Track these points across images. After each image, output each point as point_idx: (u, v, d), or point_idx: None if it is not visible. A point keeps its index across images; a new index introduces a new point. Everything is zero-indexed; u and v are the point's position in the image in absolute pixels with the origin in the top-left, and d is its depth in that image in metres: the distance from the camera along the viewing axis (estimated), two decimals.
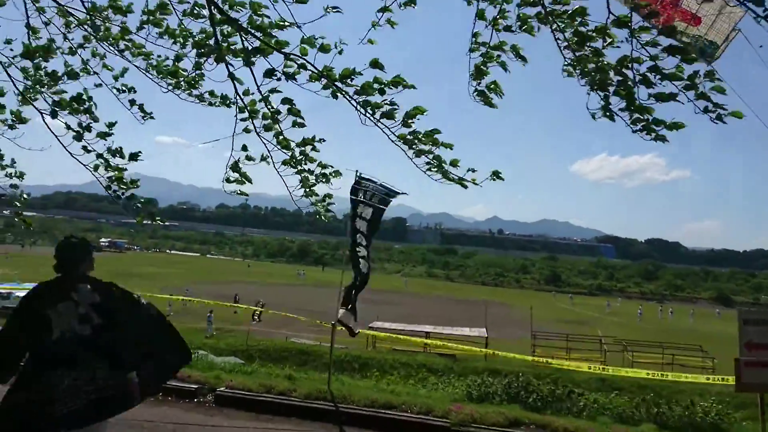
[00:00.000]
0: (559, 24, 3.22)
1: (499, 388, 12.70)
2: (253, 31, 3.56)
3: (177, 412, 6.24)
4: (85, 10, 4.55)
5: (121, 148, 4.43)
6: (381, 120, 3.67)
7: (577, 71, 3.43)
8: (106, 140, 4.41)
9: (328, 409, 6.65)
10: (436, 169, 3.79)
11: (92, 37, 4.60)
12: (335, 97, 3.65)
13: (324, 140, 4.20)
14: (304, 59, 3.51)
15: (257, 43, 3.60)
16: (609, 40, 3.07)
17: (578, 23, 3.15)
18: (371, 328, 27.05)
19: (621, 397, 15.45)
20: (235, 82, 3.92)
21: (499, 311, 49.24)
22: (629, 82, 3.04)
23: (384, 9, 3.40)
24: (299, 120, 3.94)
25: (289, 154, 4.23)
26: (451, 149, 3.74)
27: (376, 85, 3.52)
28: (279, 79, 3.65)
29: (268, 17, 3.56)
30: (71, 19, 4.55)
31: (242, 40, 3.61)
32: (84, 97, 4.44)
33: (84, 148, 4.38)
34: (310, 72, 3.58)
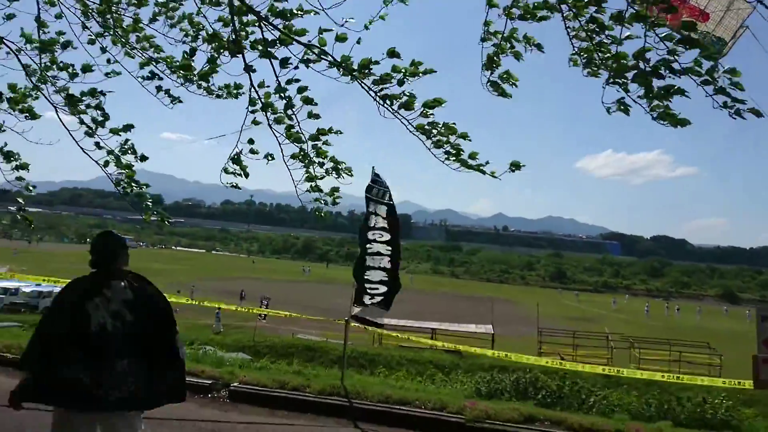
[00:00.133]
0: (574, 11, 3.21)
1: (507, 385, 12.70)
2: (272, 20, 3.54)
3: (192, 407, 6.26)
4: (98, 2, 4.57)
5: (133, 145, 4.44)
6: (398, 111, 3.66)
7: (583, 60, 3.43)
8: (120, 135, 4.41)
9: (342, 405, 6.65)
10: (454, 158, 3.78)
11: (109, 29, 4.60)
12: (353, 78, 3.62)
13: (341, 132, 4.18)
14: (323, 50, 3.51)
15: (276, 34, 3.59)
16: (627, 33, 3.05)
17: (594, 10, 3.15)
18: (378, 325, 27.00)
19: (629, 393, 15.42)
20: (251, 74, 3.92)
21: (505, 308, 49.17)
22: (647, 70, 3.03)
23: None
24: (314, 111, 3.93)
25: (299, 147, 4.22)
26: (470, 141, 3.73)
27: (395, 75, 3.51)
28: (296, 68, 3.65)
29: (288, 6, 3.54)
30: (90, 7, 4.55)
31: (261, 30, 3.59)
32: (96, 92, 4.45)
33: (96, 144, 4.39)
34: (329, 61, 3.57)
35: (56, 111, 4.21)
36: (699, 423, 10.95)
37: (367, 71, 3.55)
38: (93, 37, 4.58)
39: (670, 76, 2.92)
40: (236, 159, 4.22)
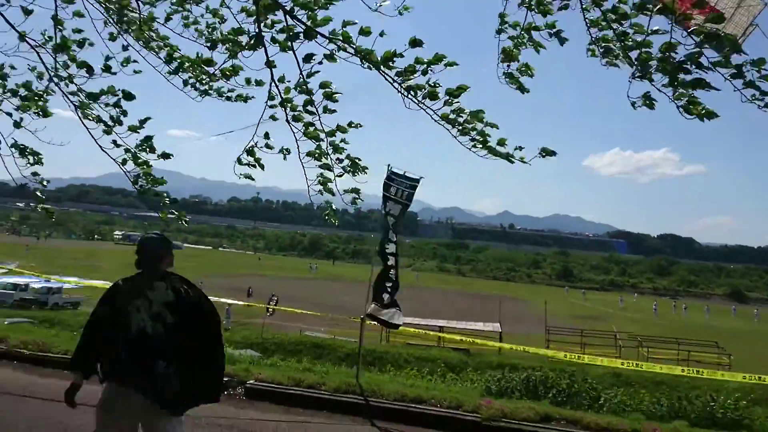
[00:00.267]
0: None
1: (518, 384, 12.70)
2: (297, 12, 3.53)
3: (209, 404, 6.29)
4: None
5: (152, 143, 4.43)
6: (423, 101, 3.66)
7: (601, 50, 3.42)
8: (138, 133, 4.42)
9: (358, 403, 6.67)
10: (481, 146, 3.77)
11: (132, 24, 4.62)
12: (378, 71, 3.61)
13: (360, 125, 4.16)
14: (347, 43, 3.50)
15: (301, 27, 3.58)
16: (654, 27, 3.05)
17: (617, 0, 3.14)
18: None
19: (638, 392, 15.38)
20: (272, 69, 3.91)
21: (511, 306, 49.13)
22: (674, 62, 3.01)
23: None
24: (332, 107, 3.92)
25: (316, 145, 4.22)
26: (497, 128, 3.72)
27: (418, 66, 3.51)
28: (321, 62, 3.65)
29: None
30: (111, 5, 4.56)
31: (286, 22, 3.58)
32: (115, 90, 4.45)
33: (113, 142, 4.39)
34: (352, 53, 3.57)
35: (76, 110, 4.22)
36: (709, 422, 10.91)
37: (391, 63, 3.55)
38: (115, 33, 4.59)
39: (696, 71, 2.91)
40: (251, 151, 4.22)
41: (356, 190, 4.45)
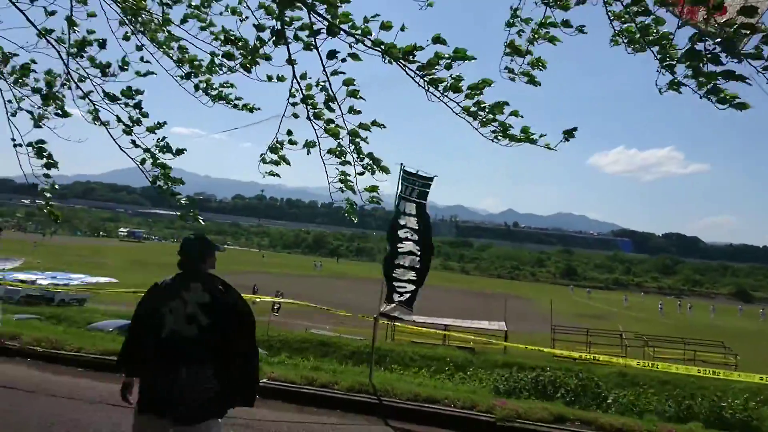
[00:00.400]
0: None
1: (526, 383, 12.69)
2: (318, 8, 3.52)
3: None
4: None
5: (168, 143, 4.44)
6: (445, 94, 3.66)
7: (624, 41, 3.41)
8: (156, 133, 4.43)
9: (372, 402, 6.66)
10: (503, 136, 3.76)
11: (147, 24, 4.62)
12: (399, 65, 3.61)
13: (384, 126, 4.15)
14: (369, 38, 3.50)
15: (324, 23, 3.57)
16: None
17: None
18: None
19: (646, 392, 15.36)
20: (293, 66, 3.91)
21: (516, 305, 49.02)
22: (697, 50, 3.00)
23: None
24: (355, 106, 3.91)
25: (337, 142, 4.22)
26: (522, 117, 3.70)
27: (441, 61, 3.50)
28: (344, 60, 3.64)
29: None
30: (127, 5, 4.56)
31: (310, 19, 3.57)
32: (132, 91, 4.46)
33: (132, 142, 4.40)
34: (374, 48, 3.57)
35: (95, 112, 4.23)
36: (718, 423, 10.88)
37: (411, 57, 3.55)
38: (129, 33, 4.60)
39: (732, 61, 2.89)
40: (275, 149, 4.22)
41: (374, 188, 4.45)
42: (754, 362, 27.10)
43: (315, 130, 4.05)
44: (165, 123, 4.28)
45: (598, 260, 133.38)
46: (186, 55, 4.70)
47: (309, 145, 4.15)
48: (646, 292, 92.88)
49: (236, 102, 4.76)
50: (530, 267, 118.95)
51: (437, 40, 3.41)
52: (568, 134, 3.60)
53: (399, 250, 7.52)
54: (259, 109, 4.96)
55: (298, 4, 3.45)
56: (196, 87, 4.65)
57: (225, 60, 4.22)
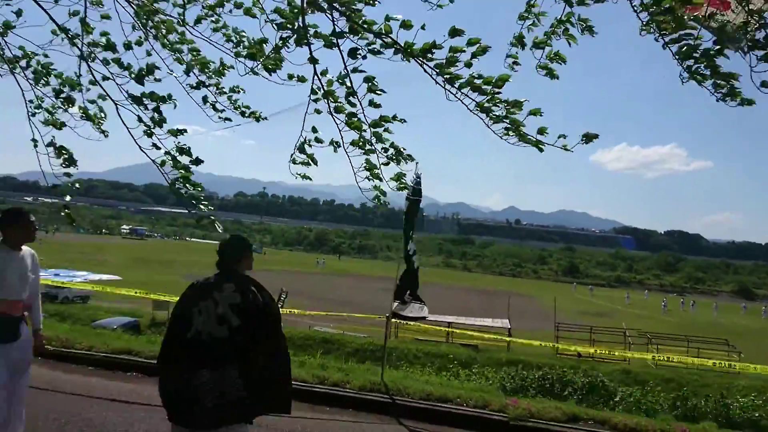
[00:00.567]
0: None
1: (533, 381, 12.70)
2: (341, 8, 3.51)
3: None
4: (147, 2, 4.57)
5: (189, 147, 4.43)
6: (460, 91, 3.64)
7: (653, 29, 3.39)
8: (177, 138, 4.42)
9: (383, 402, 6.65)
10: (513, 134, 3.75)
11: (159, 28, 4.61)
12: (418, 62, 3.59)
13: (404, 120, 4.14)
14: (391, 37, 3.48)
15: (345, 24, 3.56)
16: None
17: None
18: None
19: (653, 390, 15.36)
20: (315, 65, 3.90)
21: (519, 302, 49.03)
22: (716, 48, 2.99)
23: None
24: (375, 100, 3.90)
25: (359, 134, 4.21)
26: (542, 115, 3.68)
27: (460, 56, 3.48)
28: (365, 57, 3.63)
29: None
30: (140, 9, 4.55)
31: (332, 20, 3.56)
32: (156, 95, 4.46)
33: (154, 145, 4.39)
34: (394, 48, 3.56)
35: (117, 109, 4.22)
36: (725, 422, 10.88)
37: (430, 55, 3.53)
38: (143, 39, 4.58)
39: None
40: (302, 148, 4.21)
41: (401, 175, 4.44)
42: (757, 360, 27.04)
43: (337, 124, 4.04)
44: (185, 130, 4.28)
45: (601, 258, 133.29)
46: (197, 57, 4.70)
47: (335, 142, 4.15)
48: (648, 289, 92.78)
49: (244, 110, 4.77)
50: (532, 264, 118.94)
51: (454, 32, 3.39)
52: (588, 138, 3.58)
53: (410, 251, 7.50)
54: (266, 118, 4.96)
55: (322, 4, 3.43)
56: (204, 100, 4.64)
57: (247, 61, 4.19)
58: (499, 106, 3.67)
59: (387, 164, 4.31)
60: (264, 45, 4.21)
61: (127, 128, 4.10)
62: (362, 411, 6.55)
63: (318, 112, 4.03)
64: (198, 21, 4.48)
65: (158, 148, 4.34)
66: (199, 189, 4.54)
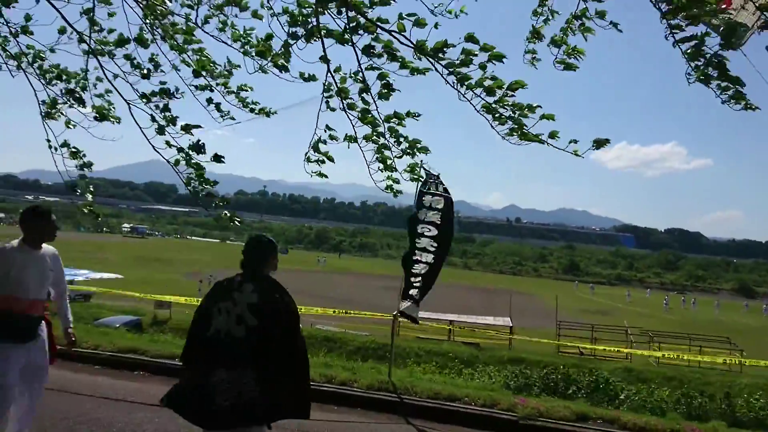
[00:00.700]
0: None
1: (536, 379, 12.68)
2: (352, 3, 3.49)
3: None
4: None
5: (203, 144, 4.39)
6: (471, 92, 3.63)
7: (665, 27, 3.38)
8: (192, 134, 4.39)
9: (391, 401, 6.63)
10: (517, 134, 3.73)
11: (168, 30, 4.59)
12: (429, 61, 3.57)
13: (419, 115, 4.11)
14: (404, 35, 3.47)
15: (351, 21, 3.54)
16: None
17: None
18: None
19: (660, 388, 15.36)
20: (328, 62, 3.88)
21: (519, 300, 49.01)
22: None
23: None
24: (387, 93, 3.88)
25: (372, 129, 4.19)
26: (554, 119, 3.66)
27: (474, 58, 3.47)
28: (380, 56, 3.61)
29: None
30: (149, 10, 4.53)
31: (347, 16, 3.54)
32: (167, 92, 4.44)
33: (167, 143, 4.37)
34: (406, 46, 3.54)
35: (129, 108, 4.20)
36: (730, 421, 10.88)
37: (442, 54, 3.52)
38: (150, 41, 4.56)
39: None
40: (316, 146, 4.20)
41: (415, 165, 4.43)
42: (759, 358, 27.04)
43: (351, 120, 4.03)
44: (199, 126, 4.24)
45: (601, 256, 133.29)
46: (203, 57, 4.67)
47: (349, 138, 4.13)
48: (648, 287, 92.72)
49: (253, 106, 4.74)
50: (533, 263, 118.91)
51: (470, 38, 3.38)
52: (598, 144, 3.58)
53: (417, 245, 7.42)
54: (275, 112, 4.94)
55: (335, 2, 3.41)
56: (209, 101, 4.62)
57: (258, 58, 4.16)
58: (506, 108, 3.66)
59: (400, 157, 4.30)
60: (271, 42, 4.20)
61: (140, 128, 4.08)
62: (371, 410, 6.53)
63: (332, 109, 4.02)
64: (206, 21, 4.47)
65: (171, 147, 4.31)
66: (215, 185, 4.51)
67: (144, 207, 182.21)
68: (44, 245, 4.16)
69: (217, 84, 4.66)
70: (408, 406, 6.53)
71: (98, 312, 27.47)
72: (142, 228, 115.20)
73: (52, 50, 4.54)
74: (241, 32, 4.44)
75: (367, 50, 3.56)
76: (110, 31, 4.51)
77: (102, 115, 4.43)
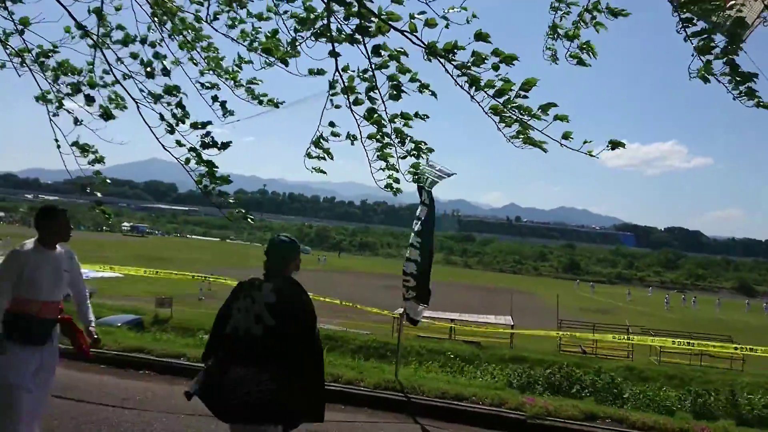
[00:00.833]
0: None
1: (540, 378, 12.68)
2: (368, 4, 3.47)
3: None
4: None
5: (213, 138, 4.36)
6: (479, 93, 3.60)
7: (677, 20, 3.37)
8: (205, 129, 4.37)
9: (399, 400, 6.62)
10: (522, 137, 3.71)
11: (176, 28, 4.57)
12: (440, 62, 3.55)
13: (427, 116, 4.09)
14: (416, 35, 3.44)
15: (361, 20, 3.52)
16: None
17: None
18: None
19: (663, 387, 15.38)
20: (336, 59, 3.86)
21: (520, 299, 49.00)
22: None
23: None
24: (396, 95, 3.86)
25: (377, 128, 4.17)
26: (568, 121, 3.63)
27: (486, 59, 3.45)
28: (390, 57, 3.60)
29: None
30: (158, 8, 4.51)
31: (360, 15, 3.52)
32: (176, 89, 4.41)
33: (177, 142, 4.34)
34: (416, 47, 3.53)
35: (138, 107, 4.17)
36: (735, 419, 10.87)
37: (451, 55, 3.49)
38: (158, 41, 4.53)
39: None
40: (317, 142, 4.18)
41: (416, 165, 4.41)
42: (761, 357, 27.07)
43: (356, 118, 4.01)
44: (210, 122, 4.21)
45: (601, 254, 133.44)
46: (211, 54, 4.65)
47: (352, 136, 4.10)
48: (649, 286, 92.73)
49: (261, 98, 4.72)
50: (533, 261, 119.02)
51: (479, 36, 3.35)
52: (614, 145, 3.56)
53: (410, 242, 7.41)
54: (283, 102, 4.90)
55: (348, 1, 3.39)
56: (215, 98, 4.59)
57: (264, 55, 4.14)
58: (513, 111, 3.63)
59: (404, 158, 4.28)
60: (278, 38, 4.18)
61: (149, 127, 4.05)
62: (378, 409, 6.52)
63: (337, 106, 3.99)
64: (214, 18, 4.45)
65: (182, 145, 4.29)
66: (227, 183, 4.46)
67: (144, 206, 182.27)
68: (59, 245, 4.10)
69: (226, 79, 4.63)
70: (415, 406, 6.51)
71: (99, 311, 27.43)
72: (143, 227, 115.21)
73: (55, 46, 4.51)
74: (249, 31, 4.42)
75: (377, 50, 3.54)
76: (119, 27, 4.49)
77: (108, 114, 4.40)
